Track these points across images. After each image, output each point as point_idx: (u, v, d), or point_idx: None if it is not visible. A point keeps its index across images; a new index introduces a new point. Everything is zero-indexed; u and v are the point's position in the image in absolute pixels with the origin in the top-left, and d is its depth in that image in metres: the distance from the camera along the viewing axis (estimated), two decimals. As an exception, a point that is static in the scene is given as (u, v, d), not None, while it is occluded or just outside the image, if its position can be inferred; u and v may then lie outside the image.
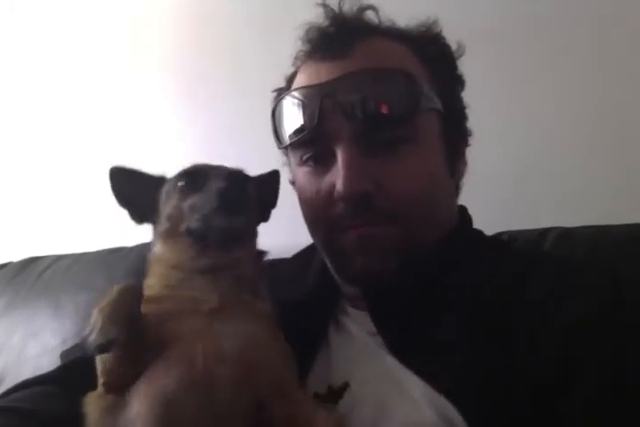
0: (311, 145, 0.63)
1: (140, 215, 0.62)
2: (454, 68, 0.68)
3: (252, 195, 0.58)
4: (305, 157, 0.64)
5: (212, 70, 1.38)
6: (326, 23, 0.65)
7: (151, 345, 0.50)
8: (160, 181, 0.62)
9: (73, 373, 0.64)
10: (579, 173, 0.93)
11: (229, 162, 0.60)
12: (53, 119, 1.64)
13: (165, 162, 0.62)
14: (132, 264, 1.12)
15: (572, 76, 0.95)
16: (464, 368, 0.53)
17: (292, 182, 0.70)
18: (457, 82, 0.68)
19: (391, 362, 0.58)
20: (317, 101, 0.60)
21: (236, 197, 0.55)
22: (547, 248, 0.80)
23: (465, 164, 0.69)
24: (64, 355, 0.70)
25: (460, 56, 0.68)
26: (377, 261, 0.61)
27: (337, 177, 0.59)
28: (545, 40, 0.97)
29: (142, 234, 1.15)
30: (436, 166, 0.63)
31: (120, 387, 0.49)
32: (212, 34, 1.39)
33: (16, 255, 1.41)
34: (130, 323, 0.48)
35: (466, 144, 0.69)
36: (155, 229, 0.61)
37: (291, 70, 0.69)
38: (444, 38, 0.68)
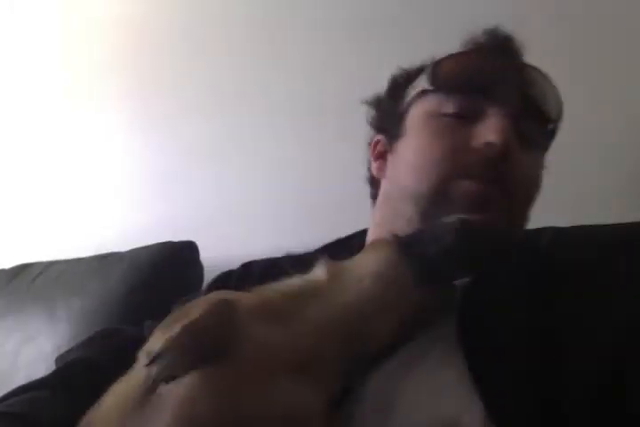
0: (468, 97, 0.64)
1: None
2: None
3: None
4: (449, 110, 0.65)
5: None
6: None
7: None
8: None
9: (67, 377, 0.64)
10: (574, 173, 0.94)
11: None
12: (31, 123, 1.63)
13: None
14: (126, 269, 1.12)
15: (572, 76, 0.96)
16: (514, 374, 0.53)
17: (391, 134, 0.70)
18: None
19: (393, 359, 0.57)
20: (504, 68, 0.64)
21: None
22: (541, 248, 0.80)
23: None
24: (59, 360, 0.70)
25: None
26: (483, 218, 0.60)
27: (488, 130, 0.61)
28: (545, 39, 0.98)
29: (135, 239, 1.16)
30: (541, 179, 0.68)
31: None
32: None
33: (7, 262, 1.40)
34: (210, 351, 0.41)
35: None
36: None
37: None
38: None
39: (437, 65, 0.67)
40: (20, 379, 0.67)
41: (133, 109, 1.49)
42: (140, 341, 0.53)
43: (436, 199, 0.63)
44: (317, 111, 1.22)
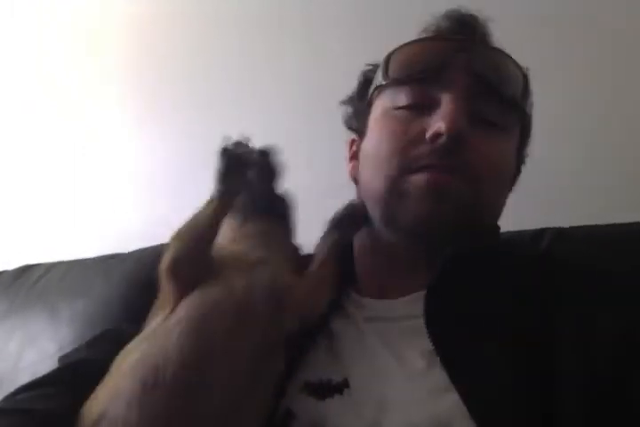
0: (417, 87, 0.63)
1: None
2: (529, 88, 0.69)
3: None
4: (402, 103, 0.63)
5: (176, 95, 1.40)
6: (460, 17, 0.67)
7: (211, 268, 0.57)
8: None
9: (70, 373, 0.64)
10: (573, 174, 0.94)
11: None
12: (33, 123, 1.63)
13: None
14: (129, 270, 1.12)
15: (572, 77, 0.96)
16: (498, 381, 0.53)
17: (359, 134, 0.70)
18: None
19: (383, 354, 0.59)
20: (450, 52, 0.62)
21: None
22: (543, 249, 0.81)
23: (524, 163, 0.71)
24: (62, 360, 0.70)
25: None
26: (441, 210, 0.59)
27: (440, 117, 0.59)
28: (546, 39, 0.98)
29: (139, 240, 1.16)
30: (511, 160, 0.66)
31: (180, 277, 0.56)
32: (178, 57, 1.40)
33: (10, 264, 1.40)
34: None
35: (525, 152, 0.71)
36: None
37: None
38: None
39: (388, 58, 0.65)
40: (23, 380, 0.67)
41: (136, 112, 1.49)
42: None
43: (391, 199, 0.61)
44: (319, 112, 1.22)
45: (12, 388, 0.66)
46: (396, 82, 0.64)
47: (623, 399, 0.50)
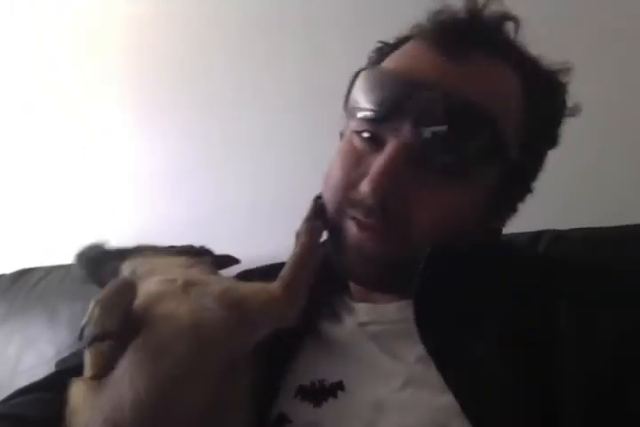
0: (373, 123, 0.59)
1: None
2: (555, 126, 0.64)
3: None
4: (361, 130, 0.60)
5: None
6: (459, 17, 0.61)
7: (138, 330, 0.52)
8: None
9: (68, 379, 0.64)
10: (572, 176, 0.94)
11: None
12: (32, 124, 1.63)
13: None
14: (127, 273, 1.12)
15: (573, 80, 0.96)
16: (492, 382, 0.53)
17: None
18: (549, 141, 0.65)
19: (379, 357, 0.59)
20: (398, 95, 0.56)
21: None
22: (541, 251, 0.81)
23: (514, 210, 0.66)
24: (60, 365, 0.70)
25: (571, 115, 0.64)
26: (362, 263, 0.59)
27: (371, 172, 0.56)
28: (547, 39, 0.97)
29: (139, 240, 1.15)
30: (472, 210, 0.60)
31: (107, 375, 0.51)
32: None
33: (8, 267, 1.41)
34: (125, 315, 0.51)
35: (521, 199, 0.66)
36: None
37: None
38: (565, 92, 0.64)
39: (354, 79, 0.61)
40: (21, 383, 0.67)
41: (136, 112, 1.49)
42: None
43: (334, 227, 0.61)
44: (319, 112, 1.22)
45: (10, 391, 0.67)
46: (352, 110, 0.61)
47: (623, 400, 0.51)
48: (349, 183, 0.59)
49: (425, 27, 0.63)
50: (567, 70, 0.64)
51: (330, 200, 0.62)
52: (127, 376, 0.49)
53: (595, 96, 0.94)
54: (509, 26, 0.63)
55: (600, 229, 0.81)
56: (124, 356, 0.50)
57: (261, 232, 1.24)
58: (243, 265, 0.82)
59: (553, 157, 0.96)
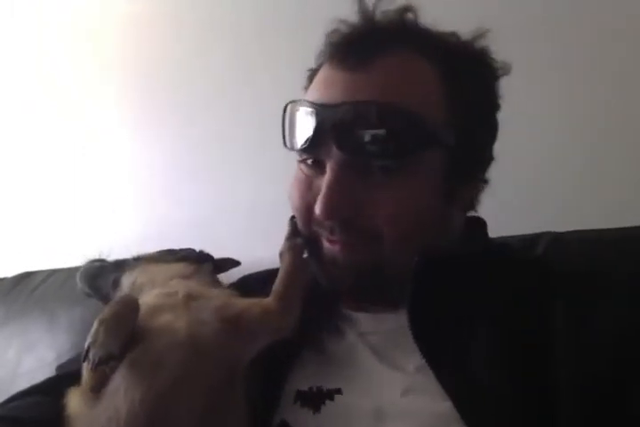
0: (307, 153, 0.62)
1: None
2: (490, 91, 0.64)
3: None
4: (303, 157, 0.63)
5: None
6: (352, 28, 0.64)
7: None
8: None
9: (67, 383, 0.64)
10: (570, 178, 0.94)
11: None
12: (32, 125, 1.63)
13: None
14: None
15: (573, 80, 0.96)
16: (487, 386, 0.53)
17: None
18: (489, 107, 0.65)
19: (378, 368, 0.59)
20: (314, 123, 0.59)
21: None
22: (539, 254, 0.81)
23: (476, 188, 0.66)
24: (60, 369, 0.70)
25: (504, 75, 0.65)
26: (338, 273, 0.62)
27: (319, 195, 0.59)
28: (548, 39, 0.97)
29: (137, 247, 1.16)
30: (427, 199, 0.61)
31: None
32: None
33: (8, 271, 1.40)
34: (128, 336, 0.51)
35: (475, 184, 0.66)
36: None
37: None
38: (488, 57, 0.64)
39: (283, 115, 0.64)
40: (21, 387, 0.68)
41: (136, 112, 1.49)
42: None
43: (312, 246, 0.64)
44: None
45: (9, 394, 0.67)
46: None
47: (624, 401, 0.51)
48: (308, 206, 0.62)
49: (328, 48, 0.65)
50: (483, 34, 0.63)
51: (299, 221, 0.64)
52: (123, 388, 0.50)
53: (595, 96, 0.94)
54: (410, 16, 0.64)
55: (598, 231, 0.81)
56: (121, 368, 0.51)
57: (261, 232, 1.24)
58: (243, 265, 0.82)
59: (551, 159, 0.96)
